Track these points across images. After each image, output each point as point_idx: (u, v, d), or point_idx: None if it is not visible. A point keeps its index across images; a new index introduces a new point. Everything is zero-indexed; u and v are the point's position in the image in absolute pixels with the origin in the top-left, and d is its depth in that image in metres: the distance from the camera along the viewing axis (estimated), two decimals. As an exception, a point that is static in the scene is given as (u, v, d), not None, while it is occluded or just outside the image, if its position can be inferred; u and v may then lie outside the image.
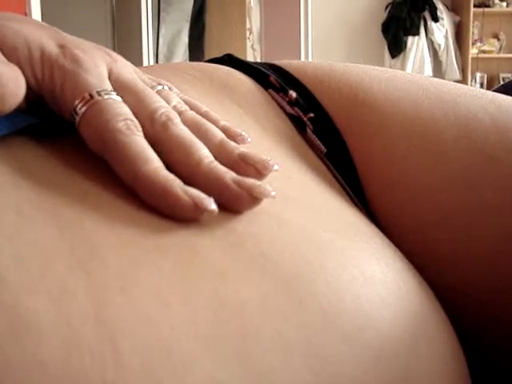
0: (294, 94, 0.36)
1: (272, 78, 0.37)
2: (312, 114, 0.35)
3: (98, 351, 0.15)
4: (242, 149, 0.24)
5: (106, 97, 0.23)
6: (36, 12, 1.57)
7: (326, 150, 0.34)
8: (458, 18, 4.15)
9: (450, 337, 0.25)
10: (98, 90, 0.23)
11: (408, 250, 0.29)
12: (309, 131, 0.35)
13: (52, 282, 0.17)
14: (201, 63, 0.39)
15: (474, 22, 4.12)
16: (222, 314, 0.18)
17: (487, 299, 0.30)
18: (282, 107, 0.36)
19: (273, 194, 0.22)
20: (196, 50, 2.67)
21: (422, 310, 0.24)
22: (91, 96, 0.23)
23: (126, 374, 0.15)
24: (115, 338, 0.16)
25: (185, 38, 2.64)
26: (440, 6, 4.01)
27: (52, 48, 0.24)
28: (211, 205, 0.21)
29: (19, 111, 0.23)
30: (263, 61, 0.41)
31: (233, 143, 0.25)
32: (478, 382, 0.27)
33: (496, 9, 4.22)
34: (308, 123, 0.35)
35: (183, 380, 0.16)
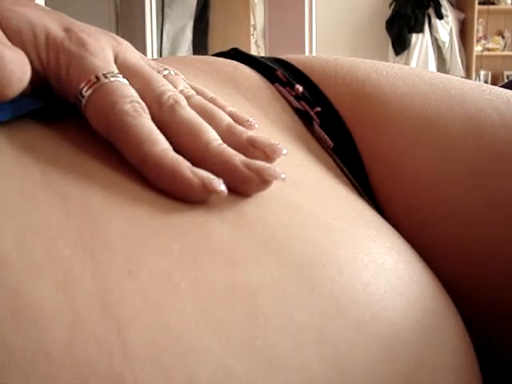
0: (300, 88, 0.36)
1: (278, 72, 0.37)
2: (319, 108, 0.35)
3: (104, 337, 0.15)
4: (250, 133, 0.24)
5: (112, 79, 0.23)
6: (40, 7, 1.57)
7: (332, 144, 0.34)
8: (462, 16, 4.14)
9: (460, 330, 0.25)
10: (104, 72, 0.23)
11: (414, 244, 0.29)
12: (315, 125, 0.35)
13: (57, 266, 0.16)
14: (207, 57, 0.38)
15: (478, 19, 4.11)
16: (233, 299, 0.18)
17: (492, 295, 0.30)
18: (288, 101, 0.36)
19: (283, 176, 0.22)
20: (200, 46, 2.67)
21: (434, 301, 0.24)
22: (97, 78, 0.22)
23: (133, 362, 0.15)
24: (122, 324, 0.16)
25: (189, 34, 2.64)
26: (444, 3, 3.99)
27: (57, 31, 0.24)
28: (220, 186, 0.20)
29: (24, 95, 0.23)
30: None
31: (241, 127, 0.25)
32: (484, 377, 0.27)
33: (501, 6, 4.20)
34: (315, 117, 0.35)
35: (192, 368, 0.16)
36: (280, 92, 0.36)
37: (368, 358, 0.19)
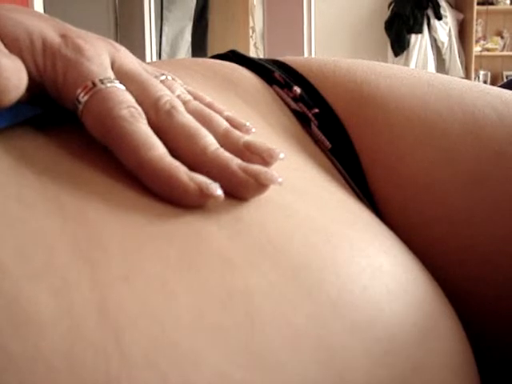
0: (298, 89, 0.36)
1: (276, 74, 0.37)
2: (317, 110, 0.35)
3: (102, 343, 0.15)
4: (247, 137, 0.24)
5: (108, 85, 0.23)
6: (38, 10, 1.58)
7: (330, 146, 0.34)
8: (461, 16, 4.14)
9: (458, 332, 0.25)
10: (101, 78, 0.23)
11: (413, 245, 0.29)
12: (313, 127, 0.35)
13: (54, 273, 0.17)
14: (205, 59, 0.38)
15: (477, 19, 4.11)
16: (229, 304, 0.18)
17: (491, 296, 0.30)
18: (286, 103, 0.36)
19: (280, 180, 0.22)
20: (199, 49, 2.67)
21: (431, 304, 0.24)
22: (94, 84, 0.22)
23: (130, 368, 0.15)
24: (119, 329, 0.16)
25: (188, 37, 2.64)
26: (443, 4, 4.00)
27: (54, 37, 0.24)
28: (217, 190, 0.20)
29: (21, 102, 0.22)
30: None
31: (238, 132, 0.25)
32: (482, 377, 0.27)
33: (500, 6, 4.20)
34: (313, 119, 0.35)
35: (188, 374, 0.16)
36: (278, 94, 0.36)
37: (365, 360, 0.19)
